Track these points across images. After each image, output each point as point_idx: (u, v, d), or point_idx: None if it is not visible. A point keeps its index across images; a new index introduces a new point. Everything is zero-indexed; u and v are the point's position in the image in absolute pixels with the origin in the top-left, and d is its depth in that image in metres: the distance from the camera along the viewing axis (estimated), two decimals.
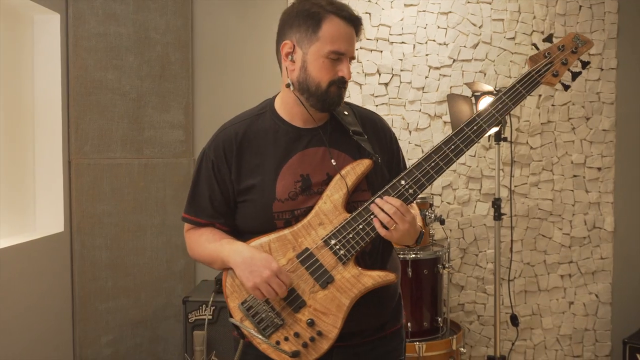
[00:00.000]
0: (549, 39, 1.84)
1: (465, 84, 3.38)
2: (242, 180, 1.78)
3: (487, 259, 3.55)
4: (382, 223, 1.67)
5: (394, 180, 1.71)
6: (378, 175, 1.80)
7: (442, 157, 1.71)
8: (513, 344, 3.46)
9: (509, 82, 3.49)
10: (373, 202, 1.70)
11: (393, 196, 1.70)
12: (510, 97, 1.76)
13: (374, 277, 1.71)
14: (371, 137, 1.84)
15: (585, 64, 1.82)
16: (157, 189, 3.42)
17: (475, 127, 1.73)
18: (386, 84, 3.56)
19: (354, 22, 1.74)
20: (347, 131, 1.80)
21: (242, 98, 3.56)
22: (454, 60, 3.54)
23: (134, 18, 3.34)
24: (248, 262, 1.68)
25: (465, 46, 3.53)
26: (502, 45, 3.53)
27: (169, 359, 3.46)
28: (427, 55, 3.55)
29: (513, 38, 3.52)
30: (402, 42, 3.56)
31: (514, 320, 3.30)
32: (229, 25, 3.57)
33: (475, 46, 3.53)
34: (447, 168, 1.72)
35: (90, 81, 3.25)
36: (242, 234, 1.81)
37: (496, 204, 3.22)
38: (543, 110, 3.51)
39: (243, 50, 3.58)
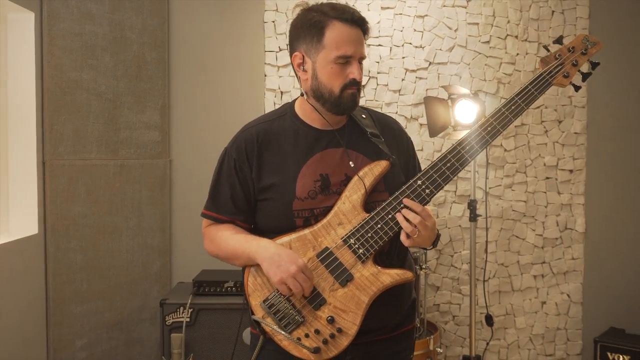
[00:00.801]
0: (558, 40, 1.88)
1: (442, 86, 3.42)
2: (262, 178, 1.83)
3: (462, 260, 3.59)
4: (406, 232, 1.73)
5: (411, 181, 1.77)
6: (395, 176, 1.86)
7: (457, 157, 1.77)
8: (488, 343, 3.51)
9: (484, 85, 3.55)
10: (393, 204, 1.75)
11: (410, 196, 1.75)
12: (523, 99, 1.80)
13: (392, 275, 1.77)
14: (389, 140, 1.90)
15: (594, 65, 1.86)
16: (133, 190, 3.38)
17: (489, 128, 1.78)
18: (363, 86, 3.59)
19: (358, 23, 1.78)
20: (365, 133, 1.86)
21: (218, 99, 3.56)
22: (430, 63, 3.58)
23: (109, 17, 3.30)
24: (275, 258, 1.74)
25: (441, 49, 3.58)
26: (477, 48, 3.58)
27: None
28: (403, 57, 3.58)
29: (488, 42, 3.57)
30: (379, 45, 3.58)
31: (489, 320, 3.35)
32: (205, 25, 3.56)
33: (451, 49, 3.58)
34: (463, 168, 1.77)
35: (66, 81, 3.20)
36: (262, 233, 1.87)
37: (472, 205, 3.27)
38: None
39: (219, 50, 3.56)
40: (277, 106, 3.50)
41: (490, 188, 3.56)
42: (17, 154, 3.10)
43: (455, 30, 3.57)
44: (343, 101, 1.79)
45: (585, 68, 1.86)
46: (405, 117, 3.57)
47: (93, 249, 3.28)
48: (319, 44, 1.76)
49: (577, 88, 1.91)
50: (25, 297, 3.01)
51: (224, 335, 3.04)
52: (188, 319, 3.01)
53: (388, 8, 3.57)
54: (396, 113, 3.57)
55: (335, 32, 1.75)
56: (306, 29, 1.79)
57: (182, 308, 3.02)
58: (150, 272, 3.44)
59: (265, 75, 3.57)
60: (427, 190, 1.76)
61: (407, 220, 1.73)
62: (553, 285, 3.62)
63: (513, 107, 1.81)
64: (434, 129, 3.25)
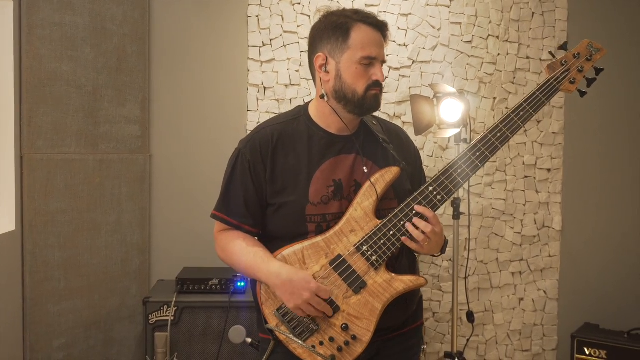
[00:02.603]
0: (563, 47, 1.91)
1: (429, 85, 3.44)
2: (276, 181, 1.83)
3: (442, 257, 3.62)
4: (412, 238, 1.75)
5: (422, 187, 1.78)
6: (403, 184, 1.88)
7: (467, 163, 1.79)
8: (468, 340, 3.55)
9: (466, 84, 3.59)
10: (405, 211, 1.77)
11: (422, 202, 1.76)
12: (531, 104, 1.83)
13: (405, 282, 1.77)
14: (397, 148, 1.90)
15: (599, 71, 1.90)
16: (113, 185, 3.30)
17: (499, 134, 1.81)
18: None
19: (381, 28, 1.82)
20: (377, 139, 1.87)
21: (200, 93, 3.51)
22: (414, 62, 3.59)
23: (90, 8, 3.20)
24: (287, 285, 1.74)
25: (424, 48, 3.59)
26: (460, 48, 3.61)
27: None
28: (387, 55, 3.58)
29: (470, 41, 3.61)
30: None
31: (470, 316, 3.39)
32: (187, 18, 3.49)
33: (433, 48, 3.60)
34: (473, 174, 1.78)
35: (45, 72, 3.09)
36: (273, 240, 1.85)
37: (455, 203, 3.29)
38: (497, 113, 3.62)
39: (202, 44, 3.50)
40: (260, 102, 3.52)
41: (470, 186, 3.59)
42: None
43: (439, 30, 3.60)
44: (367, 102, 1.80)
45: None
46: (389, 115, 3.58)
47: (72, 246, 3.18)
48: (344, 44, 1.78)
49: (582, 94, 1.95)
50: (1, 296, 2.90)
51: (209, 334, 2.99)
52: (173, 318, 2.95)
53: (372, 6, 3.56)
54: (380, 111, 3.56)
55: (361, 33, 1.78)
56: (331, 30, 1.80)
57: (166, 306, 2.96)
58: (129, 269, 3.37)
59: (249, 71, 3.52)
60: (438, 197, 1.79)
61: (418, 228, 1.75)
62: (530, 282, 3.69)
63: (522, 114, 1.84)
64: (419, 127, 3.27)
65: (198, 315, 2.99)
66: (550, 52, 1.98)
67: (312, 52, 1.87)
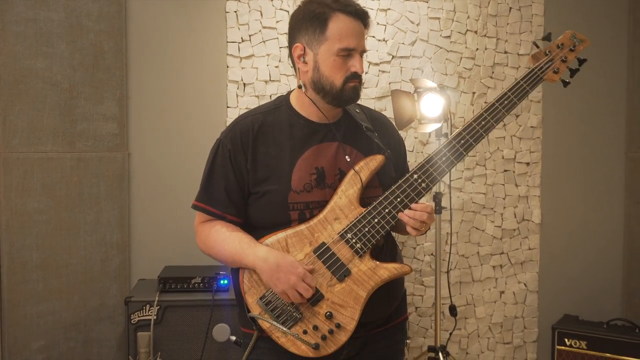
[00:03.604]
0: (547, 37, 1.92)
1: (410, 80, 3.44)
2: (257, 170, 1.80)
3: (424, 252, 3.63)
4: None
5: (407, 175, 1.77)
6: (387, 172, 1.87)
7: (452, 151, 1.79)
8: (451, 333, 3.56)
9: (445, 79, 3.60)
10: (390, 198, 1.77)
11: (406, 190, 1.77)
12: (515, 93, 1.84)
13: (389, 269, 1.76)
14: (382, 136, 1.88)
15: (581, 62, 1.91)
16: (91, 184, 3.24)
17: (483, 122, 1.81)
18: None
19: (361, 16, 1.78)
20: (360, 127, 1.85)
21: (178, 90, 3.47)
22: (393, 57, 3.59)
23: (65, 3, 3.14)
24: (274, 269, 1.72)
25: (403, 43, 3.60)
26: (439, 43, 3.62)
27: None
28: (367, 50, 3.57)
29: (449, 36, 3.62)
30: None
31: (452, 310, 3.40)
32: (164, 13, 3.44)
33: (413, 43, 3.60)
34: (458, 162, 1.78)
35: (19, 69, 3.03)
36: (255, 229, 1.82)
37: (437, 197, 3.30)
38: (477, 107, 3.63)
39: (180, 40, 3.46)
40: (240, 98, 3.49)
41: (451, 180, 3.61)
42: None
43: (417, 25, 3.60)
44: (345, 94, 1.78)
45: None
46: None
47: (49, 246, 3.12)
48: (321, 35, 1.75)
49: (565, 84, 1.97)
50: None
51: (192, 332, 2.96)
52: (155, 317, 2.91)
53: None
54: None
55: (339, 24, 1.74)
56: (308, 21, 1.77)
57: (148, 305, 2.92)
58: (109, 269, 3.31)
59: (228, 67, 3.49)
60: (423, 184, 1.79)
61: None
62: (511, 275, 3.72)
63: (506, 102, 1.85)
64: (400, 123, 3.26)
65: (181, 314, 2.95)
66: (534, 43, 1.99)
67: (290, 41, 1.84)
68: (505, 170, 3.69)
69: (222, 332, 2.91)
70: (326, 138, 1.84)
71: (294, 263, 1.72)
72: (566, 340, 3.41)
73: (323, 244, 1.76)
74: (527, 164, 3.70)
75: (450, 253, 3.57)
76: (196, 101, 3.47)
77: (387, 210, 1.76)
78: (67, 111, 3.17)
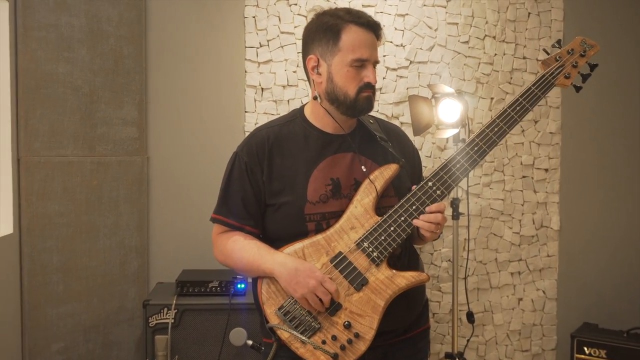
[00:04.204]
0: (557, 43, 1.92)
1: (428, 85, 3.44)
2: (273, 182, 1.83)
3: (441, 258, 3.62)
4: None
5: (422, 182, 1.77)
6: (403, 181, 1.87)
7: (466, 158, 1.79)
8: (468, 340, 3.54)
9: (463, 84, 3.59)
10: (405, 206, 1.77)
11: (421, 198, 1.77)
12: (527, 99, 1.84)
13: (407, 278, 1.75)
14: (395, 146, 1.89)
15: (593, 67, 1.91)
16: (110, 188, 3.28)
17: (496, 129, 1.81)
18: None
19: (373, 28, 1.80)
20: (374, 137, 1.86)
21: (197, 95, 3.49)
22: (411, 62, 3.59)
23: (85, 9, 3.19)
24: (293, 273, 1.73)
25: (421, 48, 3.59)
26: (457, 48, 3.61)
27: None
28: (384, 56, 3.58)
29: (467, 42, 3.61)
30: None
31: (470, 317, 3.39)
32: (184, 19, 3.47)
33: (431, 49, 3.60)
34: (472, 169, 1.78)
35: (41, 74, 3.07)
36: (272, 241, 1.84)
37: (454, 203, 3.29)
38: (495, 113, 3.60)
39: (199, 45, 3.48)
40: (258, 103, 3.51)
41: (469, 186, 3.59)
42: None
43: (435, 30, 3.60)
44: (359, 104, 1.80)
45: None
46: (386, 116, 3.57)
47: (69, 249, 3.16)
48: (335, 46, 1.78)
49: (577, 89, 1.97)
50: None
51: (210, 336, 2.97)
52: (173, 320, 2.93)
53: (369, 6, 3.56)
54: (377, 111, 3.57)
55: (352, 35, 1.77)
56: (322, 32, 1.80)
57: (166, 309, 2.94)
58: (127, 272, 3.34)
59: (246, 72, 3.51)
60: (437, 192, 1.79)
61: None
62: (529, 282, 3.69)
63: (518, 108, 1.85)
64: (418, 128, 3.26)
65: (198, 318, 2.97)
66: (544, 49, 1.99)
67: (304, 53, 1.88)
68: (524, 177, 3.66)
69: (239, 336, 2.92)
70: (341, 149, 1.86)
71: (312, 267, 1.73)
72: (585, 348, 3.37)
73: (340, 253, 1.77)
74: (546, 170, 3.67)
75: (467, 259, 3.55)
76: (215, 106, 3.50)
77: (402, 218, 1.76)
78: (87, 115, 3.20)
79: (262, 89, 3.51)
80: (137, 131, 3.37)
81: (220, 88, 3.51)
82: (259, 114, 3.50)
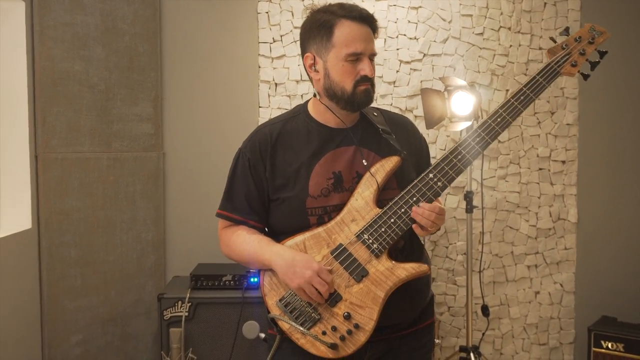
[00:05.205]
0: (565, 31, 1.89)
1: (440, 78, 3.42)
2: (276, 177, 1.85)
3: (457, 251, 3.61)
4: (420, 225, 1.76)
5: (423, 174, 1.78)
6: (406, 173, 1.88)
7: (467, 149, 1.78)
8: (483, 334, 3.53)
9: (478, 76, 3.56)
10: (405, 198, 1.77)
11: (422, 189, 1.78)
12: (532, 89, 1.82)
13: (407, 269, 1.76)
14: (400, 137, 1.91)
15: (602, 54, 1.88)
16: (127, 183, 3.33)
17: (499, 119, 1.81)
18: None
19: (366, 20, 1.81)
20: (377, 130, 1.87)
21: (211, 91, 3.53)
22: (425, 55, 3.57)
23: (101, 7, 3.24)
24: (290, 264, 1.75)
25: (435, 41, 3.57)
26: (471, 40, 3.58)
27: (139, 357, 3.38)
28: (397, 49, 3.57)
29: (481, 33, 3.58)
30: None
31: (485, 310, 3.38)
32: (197, 16, 3.50)
33: (444, 41, 3.58)
34: (474, 160, 1.78)
35: (57, 72, 3.13)
36: (276, 235, 1.88)
37: (468, 196, 3.28)
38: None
39: (212, 41, 3.52)
40: (272, 98, 3.53)
41: (484, 179, 3.57)
42: (8, 148, 3.03)
43: (449, 22, 3.57)
44: (357, 97, 1.81)
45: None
46: (400, 109, 3.57)
47: (87, 243, 3.22)
48: (328, 43, 1.79)
49: (585, 77, 1.94)
50: (18, 294, 2.95)
51: (223, 329, 3.01)
52: (187, 313, 2.98)
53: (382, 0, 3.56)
54: (391, 105, 3.56)
55: (344, 30, 1.78)
56: (315, 30, 1.82)
57: (180, 302, 2.99)
58: (144, 266, 3.40)
59: (259, 67, 3.53)
60: (439, 183, 1.78)
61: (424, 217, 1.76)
62: (546, 275, 3.65)
63: (522, 98, 1.83)
64: (431, 121, 3.25)
65: (212, 311, 3.01)
66: (551, 38, 1.96)
67: (302, 52, 1.90)
68: (540, 169, 3.63)
69: (251, 329, 2.95)
70: (343, 143, 1.87)
71: (309, 258, 1.75)
72: (602, 342, 3.33)
73: (340, 245, 1.78)
74: (563, 162, 3.62)
75: (482, 252, 3.53)
76: (229, 101, 3.53)
77: (402, 210, 1.76)
78: (103, 112, 3.26)
79: (276, 84, 3.53)
80: (152, 127, 3.42)
81: (234, 84, 3.54)
82: (273, 109, 3.52)
